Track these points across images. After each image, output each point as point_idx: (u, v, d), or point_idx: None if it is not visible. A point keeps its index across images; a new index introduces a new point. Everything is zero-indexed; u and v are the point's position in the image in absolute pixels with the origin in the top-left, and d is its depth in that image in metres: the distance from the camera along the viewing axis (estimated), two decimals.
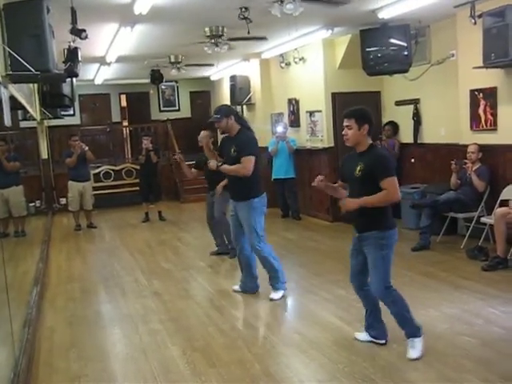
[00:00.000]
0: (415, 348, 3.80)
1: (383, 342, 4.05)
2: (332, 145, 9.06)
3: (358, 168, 3.71)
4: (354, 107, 3.85)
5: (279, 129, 9.64)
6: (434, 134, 8.06)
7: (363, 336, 4.14)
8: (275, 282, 5.36)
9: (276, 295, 5.30)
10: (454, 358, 3.79)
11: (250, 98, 11.48)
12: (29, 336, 4.41)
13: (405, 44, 7.33)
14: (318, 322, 4.65)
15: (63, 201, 11.25)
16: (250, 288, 5.56)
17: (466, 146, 6.90)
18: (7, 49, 3.86)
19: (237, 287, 5.65)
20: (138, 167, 11.19)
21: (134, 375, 3.87)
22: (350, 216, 3.86)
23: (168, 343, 4.38)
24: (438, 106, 7.95)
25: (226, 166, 5.29)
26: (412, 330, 3.83)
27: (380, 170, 3.65)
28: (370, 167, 3.66)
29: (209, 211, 7.19)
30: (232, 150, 5.21)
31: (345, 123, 3.77)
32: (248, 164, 5.13)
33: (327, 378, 3.65)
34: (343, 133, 3.79)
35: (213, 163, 5.40)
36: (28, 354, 4.08)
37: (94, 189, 10.75)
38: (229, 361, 3.98)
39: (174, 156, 7.19)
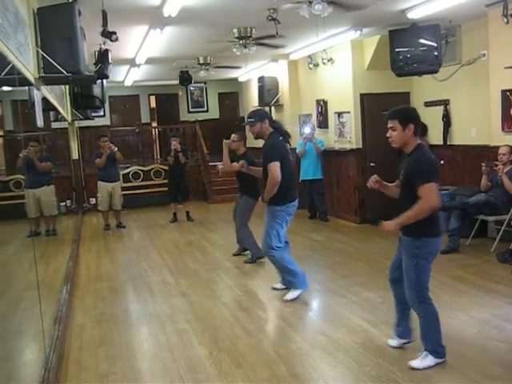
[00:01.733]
0: (423, 361, 3.65)
1: (406, 341, 3.96)
2: (360, 146, 9.01)
3: (402, 172, 3.60)
4: (397, 107, 3.68)
5: (307, 130, 9.62)
6: (464, 135, 7.95)
7: (395, 342, 4.02)
8: (290, 284, 5.40)
9: (291, 295, 5.30)
10: (482, 362, 3.73)
11: (278, 99, 11.49)
12: (59, 333, 4.48)
13: (435, 44, 7.25)
14: (344, 324, 4.63)
15: (93, 201, 11.41)
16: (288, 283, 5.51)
17: (497, 148, 6.78)
18: (40, 51, 3.94)
19: (278, 285, 5.63)
20: (166, 168, 11.28)
21: (161, 374, 3.91)
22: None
23: (195, 343, 4.41)
24: (468, 106, 7.84)
25: (252, 168, 5.36)
26: (433, 348, 3.66)
27: (415, 175, 3.47)
28: (407, 171, 3.53)
29: (234, 213, 7.18)
30: (262, 156, 5.25)
31: (388, 124, 3.61)
32: (273, 170, 5.06)
33: (353, 381, 3.63)
34: (387, 135, 3.64)
35: (241, 163, 5.47)
36: (58, 351, 4.15)
37: (123, 189, 10.87)
38: (255, 361, 3.99)
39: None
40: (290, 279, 5.40)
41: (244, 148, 6.99)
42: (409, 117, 3.58)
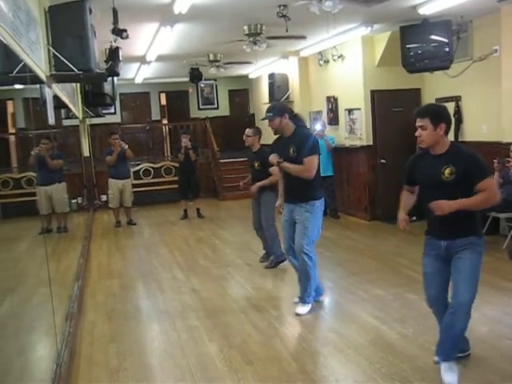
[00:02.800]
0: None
1: (468, 353, 3.74)
2: (371, 143, 8.97)
3: (448, 171, 3.31)
4: (426, 105, 3.53)
5: (317, 127, 9.59)
6: (475, 131, 7.89)
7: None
8: (305, 294, 4.96)
9: (302, 309, 4.91)
10: (494, 361, 3.71)
11: (288, 95, 11.47)
12: (71, 329, 4.52)
13: (446, 40, 7.20)
14: (354, 322, 4.62)
15: (104, 198, 11.46)
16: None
17: (509, 144, 6.73)
18: (51, 49, 3.96)
19: (297, 300, 5.10)
20: (176, 165, 11.30)
21: (171, 371, 3.92)
22: (437, 222, 3.42)
23: (205, 340, 4.42)
24: (479, 103, 7.78)
25: (288, 164, 4.82)
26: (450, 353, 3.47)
27: (476, 170, 3.30)
28: (463, 169, 3.29)
29: (254, 217, 6.72)
30: (291, 150, 4.78)
31: (418, 123, 3.38)
32: (311, 165, 4.74)
33: (364, 379, 3.62)
34: (416, 134, 3.42)
35: (273, 157, 4.94)
36: (70, 347, 4.19)
37: (134, 186, 10.92)
38: (265, 358, 3.99)
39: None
40: (306, 287, 4.95)
41: (259, 144, 6.62)
42: (441, 115, 3.41)
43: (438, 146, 3.40)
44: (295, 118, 4.98)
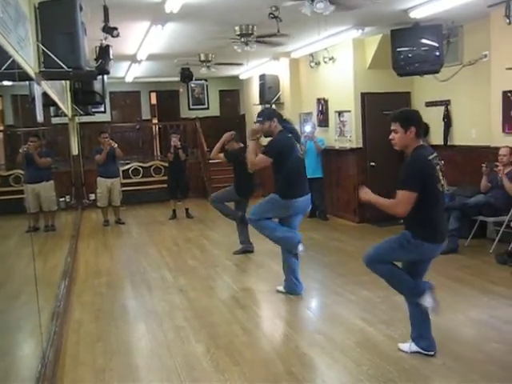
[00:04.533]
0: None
1: (432, 353, 3.83)
2: (360, 145, 9.01)
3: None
4: (399, 109, 3.72)
5: (307, 128, 9.62)
6: (464, 135, 7.94)
7: (408, 347, 3.91)
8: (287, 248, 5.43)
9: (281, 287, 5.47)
10: (480, 363, 3.72)
11: (278, 97, 11.48)
12: (56, 328, 4.48)
13: (436, 44, 7.23)
14: (342, 323, 4.63)
15: (92, 196, 11.40)
16: (291, 289, 5.46)
17: (497, 149, 6.77)
18: (41, 46, 3.93)
19: (281, 288, 5.54)
20: (166, 164, 11.28)
21: (157, 371, 3.90)
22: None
23: (192, 340, 4.41)
24: (469, 107, 7.83)
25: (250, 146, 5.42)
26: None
27: (400, 177, 3.56)
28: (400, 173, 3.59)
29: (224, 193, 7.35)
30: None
31: (391, 127, 3.64)
32: (257, 160, 5.26)
33: (351, 380, 3.63)
34: (390, 137, 3.67)
35: (253, 133, 5.41)
36: (55, 346, 4.16)
37: (123, 185, 10.88)
38: (252, 359, 3.99)
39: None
40: (276, 240, 5.44)
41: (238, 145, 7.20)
42: (410, 119, 3.60)
43: (408, 148, 3.62)
44: (284, 122, 5.39)
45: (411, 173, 3.54)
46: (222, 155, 7.20)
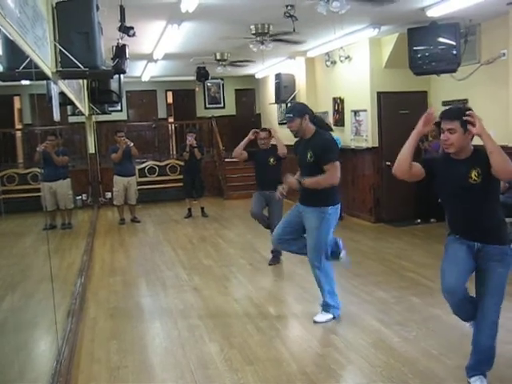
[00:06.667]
0: None
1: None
2: (376, 145, 8.96)
3: (474, 174, 3.16)
4: (454, 107, 3.33)
5: None
6: None
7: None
8: (324, 302, 4.74)
9: (320, 317, 4.70)
10: (496, 366, 3.66)
11: (294, 96, 11.44)
12: (72, 326, 4.52)
13: (454, 43, 7.16)
14: (356, 324, 4.61)
15: (108, 195, 11.49)
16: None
17: None
18: (58, 46, 3.96)
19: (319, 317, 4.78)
20: (182, 163, 11.31)
21: (171, 369, 3.92)
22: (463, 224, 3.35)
23: (206, 339, 4.42)
24: (487, 106, 7.74)
25: (309, 181, 4.54)
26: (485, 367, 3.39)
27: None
28: (487, 169, 3.12)
29: (256, 206, 6.67)
30: (308, 155, 4.54)
31: (446, 126, 3.20)
32: (334, 172, 4.50)
33: (364, 381, 3.61)
34: (442, 137, 3.24)
35: (291, 179, 4.68)
36: (71, 343, 4.19)
37: (139, 184, 10.94)
38: (265, 359, 3.98)
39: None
40: (322, 294, 4.75)
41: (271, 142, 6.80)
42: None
43: (464, 151, 3.24)
44: (316, 120, 4.77)
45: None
46: (245, 153, 6.70)
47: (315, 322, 4.66)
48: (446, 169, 3.32)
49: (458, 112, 3.25)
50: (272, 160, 6.64)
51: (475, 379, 3.37)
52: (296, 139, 4.86)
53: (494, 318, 3.31)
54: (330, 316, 4.71)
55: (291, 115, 4.61)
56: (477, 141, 3.23)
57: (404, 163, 3.32)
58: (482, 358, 3.40)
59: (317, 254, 4.59)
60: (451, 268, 3.32)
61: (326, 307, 4.74)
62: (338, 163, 4.54)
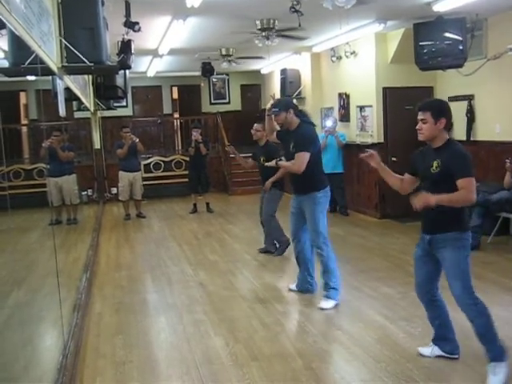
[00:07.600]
0: (496, 375, 3.37)
1: (457, 356, 3.73)
2: (382, 140, 8.94)
3: (435, 164, 3.44)
4: (429, 99, 3.62)
5: (328, 123, 9.57)
6: (488, 131, 7.82)
7: (430, 351, 3.79)
8: (328, 287, 5.02)
9: (326, 304, 4.93)
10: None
11: (300, 91, 11.44)
12: (77, 321, 4.54)
13: (460, 38, 7.12)
14: (361, 320, 4.61)
15: (114, 190, 11.51)
16: (305, 288, 5.36)
17: None
18: (63, 41, 3.97)
19: (293, 286, 5.47)
20: (187, 159, 11.31)
21: (177, 364, 3.93)
22: (423, 215, 3.56)
23: (211, 334, 4.43)
24: (493, 102, 7.71)
25: (282, 163, 5.29)
26: (495, 353, 3.44)
27: (458, 168, 3.35)
28: (447, 165, 3.38)
29: (261, 208, 7.03)
30: (291, 145, 5.01)
31: (419, 116, 3.50)
32: (299, 160, 4.91)
33: (369, 377, 3.61)
34: (417, 127, 3.52)
35: (271, 162, 5.41)
36: (76, 338, 4.21)
37: (144, 179, 10.95)
38: (270, 354, 3.99)
39: (226, 148, 7.21)
40: (327, 280, 5.03)
41: (266, 139, 6.75)
42: (442, 110, 3.51)
43: (435, 140, 3.50)
44: (300, 114, 5.17)
45: (467, 162, 3.40)
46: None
47: (322, 308, 4.90)
48: (422, 159, 3.62)
49: (430, 104, 3.58)
50: (262, 159, 6.67)
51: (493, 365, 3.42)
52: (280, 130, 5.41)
53: (467, 301, 3.45)
54: (333, 302, 4.96)
55: (277, 109, 5.08)
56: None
57: (398, 188, 4.03)
58: (487, 347, 3.46)
59: (318, 234, 5.02)
60: (416, 272, 3.74)
61: (328, 292, 5.01)
62: (307, 154, 4.92)
